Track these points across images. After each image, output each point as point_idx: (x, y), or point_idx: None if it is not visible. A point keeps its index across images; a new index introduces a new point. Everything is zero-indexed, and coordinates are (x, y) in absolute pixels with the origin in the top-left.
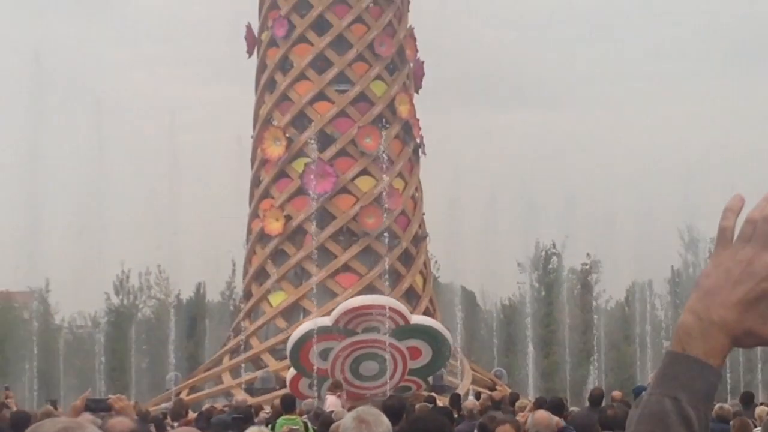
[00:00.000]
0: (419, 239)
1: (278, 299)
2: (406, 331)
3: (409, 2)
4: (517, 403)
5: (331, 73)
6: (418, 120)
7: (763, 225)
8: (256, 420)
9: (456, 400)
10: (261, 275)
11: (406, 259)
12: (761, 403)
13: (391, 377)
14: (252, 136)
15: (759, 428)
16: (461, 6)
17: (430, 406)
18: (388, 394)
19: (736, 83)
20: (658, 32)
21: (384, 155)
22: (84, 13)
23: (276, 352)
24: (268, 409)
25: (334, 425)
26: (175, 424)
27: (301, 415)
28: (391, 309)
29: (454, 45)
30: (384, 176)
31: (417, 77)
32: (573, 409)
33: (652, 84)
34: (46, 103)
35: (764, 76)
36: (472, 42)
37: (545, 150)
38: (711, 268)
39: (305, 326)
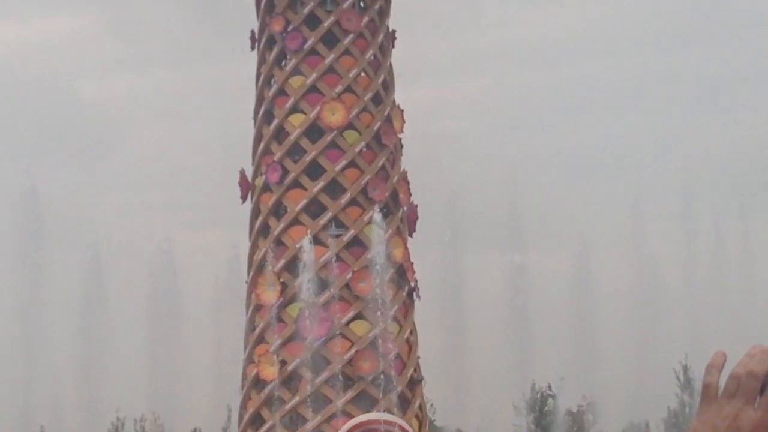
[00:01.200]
0: (415, 383)
1: None
2: None
3: (401, 146)
4: None
5: (325, 218)
6: (412, 263)
7: (747, 380)
8: None
9: None
10: (256, 421)
11: (402, 403)
12: None
13: None
14: (246, 282)
15: None
16: (453, 148)
17: None
18: None
19: (728, 223)
20: (646, 174)
21: (379, 299)
22: (80, 160)
23: None
24: None
25: None
26: None
27: None
28: (399, 427)
29: (449, 185)
30: (379, 320)
31: (411, 221)
32: None
33: (641, 224)
34: (41, 248)
35: (755, 216)
36: (467, 183)
37: (542, 291)
38: (698, 424)
39: None
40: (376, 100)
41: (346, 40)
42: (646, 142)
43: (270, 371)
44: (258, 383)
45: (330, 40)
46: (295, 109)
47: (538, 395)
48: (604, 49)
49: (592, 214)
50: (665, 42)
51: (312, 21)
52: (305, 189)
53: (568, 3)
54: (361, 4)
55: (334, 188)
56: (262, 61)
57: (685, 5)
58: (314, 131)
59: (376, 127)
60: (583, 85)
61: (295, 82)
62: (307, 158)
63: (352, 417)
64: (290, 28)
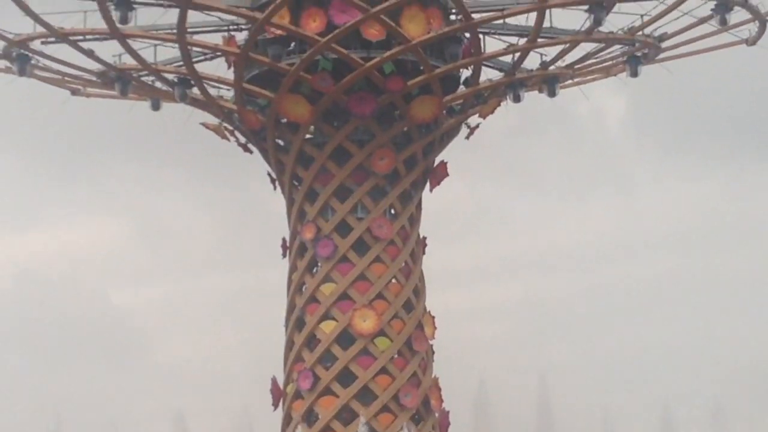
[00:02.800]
0: None
1: None
2: None
3: (433, 352)
4: None
5: (357, 425)
6: None
7: None
8: None
9: None
10: None
11: None
12: None
13: None
14: None
15: None
16: (484, 354)
17: None
18: None
19: (760, 428)
20: (676, 379)
21: None
22: (110, 366)
23: None
24: None
25: None
26: None
27: None
28: None
29: (480, 391)
30: None
31: (443, 427)
32: None
33: (671, 430)
34: None
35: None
36: (498, 389)
37: None
38: None
39: None
40: (408, 306)
41: (377, 248)
42: (676, 347)
43: None
44: None
45: (361, 247)
46: (326, 316)
47: None
48: (632, 254)
49: (622, 419)
50: (695, 245)
51: (343, 228)
52: (337, 396)
53: (595, 209)
54: (392, 211)
55: (366, 395)
56: (293, 269)
57: (709, 208)
58: (346, 338)
59: (407, 334)
60: (612, 290)
61: (327, 289)
62: (339, 365)
63: None
64: (321, 235)
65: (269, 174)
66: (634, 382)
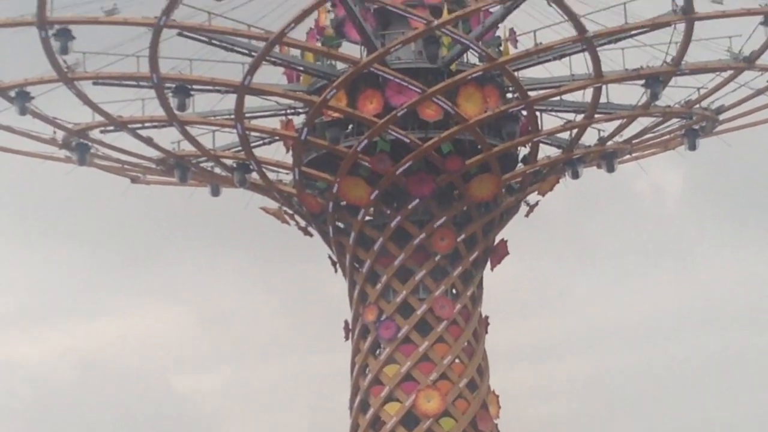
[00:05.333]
0: None
1: None
2: None
3: None
4: None
5: None
6: None
7: None
8: None
9: None
10: None
11: None
12: None
13: None
14: None
15: None
16: None
17: None
18: None
19: None
20: None
21: None
22: None
23: None
24: None
25: None
26: None
27: None
28: None
29: None
30: None
31: None
32: None
33: None
34: None
35: None
36: None
37: None
38: None
39: None
40: (472, 386)
41: (440, 328)
42: (743, 425)
43: None
44: None
45: (423, 327)
46: (390, 398)
47: None
48: (696, 330)
49: None
50: (760, 319)
51: (405, 309)
52: None
53: (657, 284)
54: (454, 291)
55: None
56: (356, 351)
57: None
58: (410, 419)
59: (472, 414)
60: (674, 365)
61: (390, 370)
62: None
63: None
64: (383, 317)
65: (330, 257)
66: None
